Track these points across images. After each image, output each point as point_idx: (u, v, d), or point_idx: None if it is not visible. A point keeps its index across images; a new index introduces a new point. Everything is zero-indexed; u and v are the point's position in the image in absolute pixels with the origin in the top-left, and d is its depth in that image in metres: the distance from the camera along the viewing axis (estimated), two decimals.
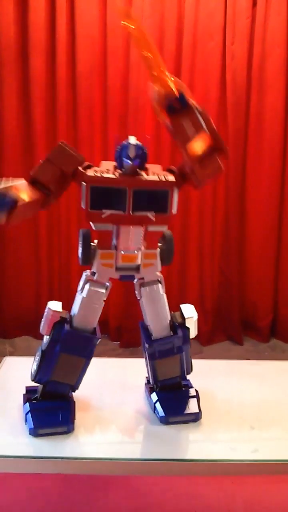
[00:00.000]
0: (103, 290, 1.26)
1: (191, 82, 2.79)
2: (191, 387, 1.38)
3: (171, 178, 1.19)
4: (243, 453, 1.20)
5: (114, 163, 1.21)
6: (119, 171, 1.19)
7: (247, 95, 2.86)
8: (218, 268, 3.06)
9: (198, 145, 1.16)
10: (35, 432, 1.24)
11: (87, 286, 1.26)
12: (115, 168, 1.20)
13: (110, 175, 1.18)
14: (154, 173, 1.20)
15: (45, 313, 1.29)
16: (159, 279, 1.29)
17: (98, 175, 1.18)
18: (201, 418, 1.30)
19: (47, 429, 1.25)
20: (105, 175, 1.18)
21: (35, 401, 1.31)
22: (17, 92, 2.80)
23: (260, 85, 2.83)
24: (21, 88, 2.81)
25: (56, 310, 1.28)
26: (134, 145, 1.16)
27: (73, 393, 1.34)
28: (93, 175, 1.18)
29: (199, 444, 1.24)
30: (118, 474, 1.25)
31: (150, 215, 1.19)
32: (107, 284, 1.27)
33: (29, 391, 1.34)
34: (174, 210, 1.21)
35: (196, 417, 1.29)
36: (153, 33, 2.74)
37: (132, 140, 1.18)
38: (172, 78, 1.19)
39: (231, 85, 2.82)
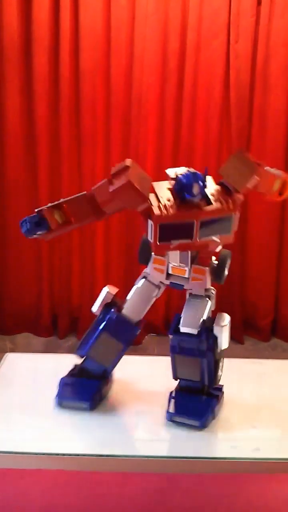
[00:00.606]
0: (156, 287, 1.35)
1: (194, 80, 2.79)
2: (217, 398, 1.35)
3: (232, 202, 1.22)
4: (245, 451, 1.20)
5: (169, 186, 1.23)
6: (178, 200, 1.21)
7: (251, 94, 2.85)
8: None
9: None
10: (59, 403, 1.34)
11: (142, 280, 1.35)
12: (173, 194, 1.21)
13: (175, 211, 1.19)
14: (213, 196, 1.22)
15: (101, 293, 1.37)
16: (209, 296, 1.32)
17: (165, 213, 1.19)
18: (206, 427, 1.28)
19: (70, 402, 1.34)
20: (171, 210, 1.19)
21: (70, 376, 1.39)
22: (20, 89, 2.80)
23: (264, 84, 2.83)
24: (24, 85, 2.80)
25: (111, 292, 1.37)
26: (198, 184, 1.19)
27: (110, 379, 1.42)
28: (160, 214, 1.19)
29: (199, 442, 1.24)
30: (114, 471, 1.26)
31: (215, 238, 1.23)
32: (160, 286, 1.35)
33: (75, 368, 1.42)
34: (235, 228, 1.26)
35: (200, 425, 1.28)
36: (156, 30, 2.74)
37: (194, 177, 1.19)
38: None
39: (235, 84, 2.81)
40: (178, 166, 1.26)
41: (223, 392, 1.38)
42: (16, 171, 2.91)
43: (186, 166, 1.26)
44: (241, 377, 1.53)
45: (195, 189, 1.18)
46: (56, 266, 3.06)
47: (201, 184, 1.19)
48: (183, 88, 2.81)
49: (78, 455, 1.20)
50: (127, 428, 1.30)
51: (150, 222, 1.20)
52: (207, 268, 1.30)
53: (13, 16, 2.70)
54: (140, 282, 1.35)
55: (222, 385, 1.39)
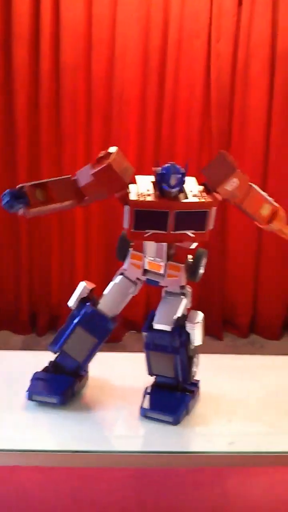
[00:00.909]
0: (133, 284, 1.35)
1: (176, 78, 2.80)
2: (192, 393, 1.36)
3: (209, 198, 1.25)
4: (219, 445, 1.22)
5: (151, 179, 1.27)
6: (158, 192, 1.24)
7: (231, 94, 2.87)
8: None
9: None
10: (29, 396, 1.34)
11: (119, 276, 1.36)
12: (154, 186, 1.26)
13: (152, 199, 1.23)
14: (192, 192, 1.26)
15: (77, 288, 1.38)
16: (184, 293, 1.34)
17: (141, 199, 1.23)
18: (179, 423, 1.29)
19: (40, 396, 1.34)
20: (148, 198, 1.23)
21: (44, 371, 1.40)
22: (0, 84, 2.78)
23: (244, 83, 2.85)
24: (4, 80, 2.78)
25: (87, 286, 1.38)
26: (175, 175, 1.22)
27: (85, 376, 1.42)
28: (137, 199, 1.23)
29: (175, 436, 1.25)
30: (89, 467, 1.27)
31: (190, 233, 1.24)
32: (137, 282, 1.36)
33: (50, 363, 1.42)
34: (211, 226, 1.27)
35: (173, 421, 1.28)
36: (138, 28, 2.74)
37: (172, 169, 1.22)
38: None
39: (216, 83, 2.83)
40: (160, 164, 1.26)
41: (199, 388, 1.39)
42: None
43: (167, 163, 1.27)
44: (220, 373, 1.54)
45: (173, 181, 1.21)
46: (35, 263, 3.05)
47: (179, 176, 1.22)
48: (164, 86, 2.82)
49: (53, 451, 1.20)
50: (102, 423, 1.31)
51: (127, 208, 1.23)
52: (182, 265, 1.31)
53: None
54: (117, 278, 1.36)
55: (198, 381, 1.40)
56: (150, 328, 1.33)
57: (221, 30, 2.78)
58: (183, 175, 1.23)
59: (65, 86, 2.79)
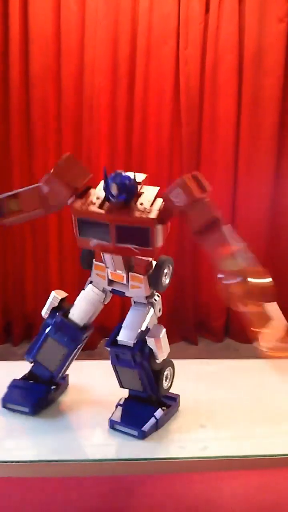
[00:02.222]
0: (103, 293, 1.34)
1: (145, 85, 2.82)
2: (165, 407, 1.33)
3: (154, 214, 1.18)
4: (192, 451, 1.22)
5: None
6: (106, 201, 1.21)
7: (201, 99, 2.91)
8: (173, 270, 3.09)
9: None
10: (3, 404, 1.34)
11: (89, 285, 1.35)
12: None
13: (95, 209, 1.19)
14: (142, 205, 1.19)
15: (49, 298, 1.37)
16: (152, 303, 1.32)
17: (84, 208, 1.20)
18: (144, 438, 1.26)
19: (13, 405, 1.34)
20: (90, 208, 1.20)
21: (19, 379, 1.40)
22: None
23: (213, 89, 2.88)
24: None
25: (57, 296, 1.37)
26: (116, 184, 1.16)
27: (62, 385, 1.41)
28: (79, 208, 1.21)
29: (148, 443, 1.25)
30: (64, 476, 1.27)
31: (133, 247, 1.20)
32: (106, 292, 1.34)
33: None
34: (159, 244, 1.21)
35: (139, 435, 1.26)
36: (107, 35, 2.75)
37: (115, 178, 1.18)
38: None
39: (185, 89, 2.86)
40: (131, 170, 1.24)
41: (177, 402, 1.37)
42: None
43: (138, 171, 1.26)
44: (194, 378, 1.54)
45: (113, 189, 1.16)
46: (9, 271, 3.03)
47: (123, 185, 1.16)
48: (134, 93, 2.84)
49: (27, 461, 1.19)
50: (77, 433, 1.30)
51: (73, 218, 1.23)
52: (143, 276, 1.27)
53: None
54: (87, 288, 1.35)
55: (178, 395, 1.38)
56: (113, 342, 1.32)
57: (188, 36, 2.81)
58: (131, 185, 1.18)
59: (34, 94, 2.79)
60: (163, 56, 2.82)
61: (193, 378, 1.54)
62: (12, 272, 3.02)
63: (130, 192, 1.18)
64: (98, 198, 1.22)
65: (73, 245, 3.02)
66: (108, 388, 1.45)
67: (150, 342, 1.27)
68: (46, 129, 2.84)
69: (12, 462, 1.19)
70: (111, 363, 1.34)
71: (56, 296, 1.37)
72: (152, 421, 1.28)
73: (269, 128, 2.92)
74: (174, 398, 1.37)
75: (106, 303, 1.37)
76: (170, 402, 1.36)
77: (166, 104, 2.86)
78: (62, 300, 1.37)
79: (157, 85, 2.85)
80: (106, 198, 1.20)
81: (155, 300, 1.33)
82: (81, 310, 1.35)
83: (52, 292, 1.39)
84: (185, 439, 1.27)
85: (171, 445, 1.25)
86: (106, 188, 1.18)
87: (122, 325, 1.32)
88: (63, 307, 1.37)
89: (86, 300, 1.35)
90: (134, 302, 1.34)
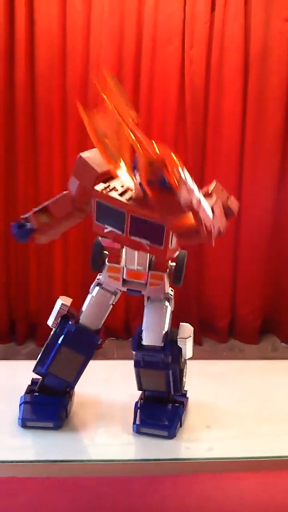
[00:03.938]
0: (112, 295, 1.32)
1: (150, 85, 2.81)
2: (182, 405, 1.35)
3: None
4: (198, 452, 1.22)
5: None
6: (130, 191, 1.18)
7: (206, 99, 2.90)
8: None
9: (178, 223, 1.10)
10: (23, 423, 1.28)
11: (96, 288, 1.31)
12: (135, 186, 1.17)
13: (115, 195, 1.16)
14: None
15: (55, 306, 1.34)
16: (168, 298, 1.30)
17: (105, 192, 1.17)
18: (175, 436, 1.27)
19: (35, 422, 1.28)
20: (112, 193, 1.16)
21: (31, 394, 1.34)
22: None
23: (218, 89, 2.87)
24: None
25: (66, 303, 1.33)
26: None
27: (73, 392, 1.38)
28: (100, 190, 1.17)
29: (154, 444, 1.25)
30: (66, 476, 1.26)
31: (145, 243, 1.17)
32: (117, 292, 1.32)
33: (34, 383, 1.37)
34: (172, 245, 1.19)
35: (169, 435, 1.26)
36: (112, 35, 2.75)
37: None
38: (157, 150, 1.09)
39: (190, 89, 2.85)
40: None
41: (187, 398, 1.38)
42: None
43: None
44: (199, 379, 1.54)
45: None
46: (12, 271, 3.02)
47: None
48: (138, 93, 2.83)
49: (28, 461, 1.19)
50: (80, 433, 1.30)
51: (93, 201, 1.20)
52: (164, 273, 1.27)
53: None
54: (94, 291, 1.32)
55: (186, 391, 1.39)
56: (139, 346, 1.30)
57: (194, 36, 2.80)
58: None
59: (40, 95, 2.78)
60: (168, 55, 2.82)
61: (198, 379, 1.53)
62: (16, 272, 3.01)
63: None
64: (122, 186, 1.19)
65: (77, 245, 3.06)
66: (112, 388, 1.46)
67: (182, 342, 1.28)
68: (51, 128, 2.83)
69: (14, 462, 1.19)
70: (135, 366, 1.32)
71: (64, 303, 1.33)
72: (176, 418, 1.30)
73: (274, 128, 2.91)
74: (184, 394, 1.38)
75: (114, 303, 1.34)
76: (182, 399, 1.36)
77: (171, 104, 2.86)
78: (69, 306, 1.34)
79: (162, 84, 2.84)
80: (146, 183, 1.09)
81: (171, 295, 1.32)
82: (92, 314, 1.32)
83: (58, 300, 1.35)
84: (190, 439, 1.27)
85: (177, 446, 1.24)
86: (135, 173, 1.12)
87: (143, 328, 1.30)
88: (72, 314, 1.34)
89: (97, 304, 1.32)
90: (149, 299, 1.31)
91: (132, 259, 1.26)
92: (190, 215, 1.08)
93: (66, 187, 1.29)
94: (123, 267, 1.28)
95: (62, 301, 1.34)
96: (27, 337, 3.04)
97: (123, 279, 1.29)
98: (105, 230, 1.19)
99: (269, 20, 2.78)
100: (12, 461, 1.18)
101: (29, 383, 1.37)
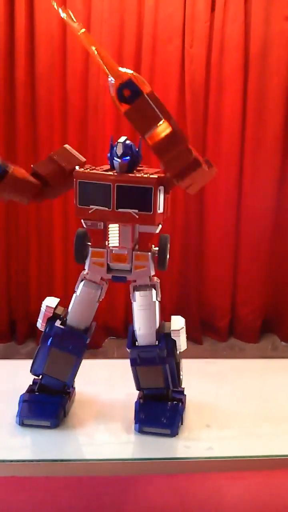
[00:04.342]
0: (96, 291, 1.30)
1: (150, 84, 2.76)
2: (182, 402, 1.35)
3: (155, 176, 1.21)
4: (198, 451, 1.22)
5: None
6: (114, 171, 1.23)
7: (206, 98, 2.90)
8: (177, 270, 3.09)
9: (156, 133, 1.15)
10: (20, 421, 1.29)
11: (81, 285, 1.30)
12: (111, 169, 1.24)
13: (98, 172, 1.22)
14: (146, 173, 1.22)
15: (41, 309, 1.33)
16: (154, 285, 1.30)
17: (87, 171, 1.22)
18: (177, 434, 1.27)
19: (32, 420, 1.29)
20: (94, 171, 1.23)
21: (31, 393, 1.35)
22: None
23: (218, 88, 2.87)
24: None
25: (50, 306, 1.32)
26: (121, 143, 1.20)
27: (73, 391, 1.39)
28: (82, 171, 1.23)
29: (153, 442, 1.25)
30: (66, 475, 1.26)
31: (133, 212, 1.20)
32: (102, 284, 1.30)
33: (35, 383, 1.37)
34: (160, 209, 1.22)
35: (172, 432, 1.27)
36: (112, 34, 2.75)
37: (121, 139, 1.22)
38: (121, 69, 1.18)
39: (190, 88, 2.85)
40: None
41: (185, 395, 1.38)
42: None
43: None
44: (199, 378, 1.54)
45: (119, 149, 1.20)
46: (13, 271, 3.02)
47: (127, 148, 1.21)
48: None
49: (30, 461, 1.19)
50: (80, 432, 1.30)
51: (74, 183, 1.23)
52: (148, 253, 1.27)
53: None
54: (78, 289, 1.31)
55: (183, 388, 1.39)
56: (134, 344, 1.31)
57: (194, 35, 2.80)
58: (136, 150, 1.23)
59: (40, 95, 2.78)
60: (168, 54, 2.81)
61: (197, 378, 1.54)
62: (16, 271, 3.01)
63: (134, 156, 1.22)
64: (101, 168, 1.25)
65: None
66: (112, 387, 1.46)
67: (175, 334, 1.29)
68: (51, 128, 2.83)
69: (14, 461, 1.19)
70: (132, 365, 1.32)
71: (49, 306, 1.33)
72: (177, 416, 1.30)
73: (274, 127, 2.90)
74: (182, 391, 1.38)
75: (101, 299, 1.33)
76: (180, 396, 1.36)
77: (171, 102, 2.85)
78: (55, 308, 1.34)
79: (162, 83, 2.84)
80: (110, 163, 1.23)
81: (156, 281, 1.31)
82: (78, 313, 1.32)
83: (44, 302, 1.35)
84: (190, 438, 1.27)
85: (177, 444, 1.24)
86: (111, 151, 1.22)
87: (135, 329, 1.31)
88: (59, 315, 1.33)
89: (82, 301, 1.31)
90: (135, 287, 1.30)
91: (115, 238, 1.25)
92: (165, 125, 1.14)
93: None
94: (107, 251, 1.27)
95: (46, 304, 1.33)
96: (27, 336, 3.04)
97: (108, 265, 1.28)
98: (90, 211, 1.22)
99: (269, 19, 2.78)
100: (11, 460, 1.18)
101: (30, 382, 1.38)
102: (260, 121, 2.90)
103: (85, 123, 2.83)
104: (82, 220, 1.26)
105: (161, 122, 1.14)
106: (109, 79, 1.17)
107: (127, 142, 1.22)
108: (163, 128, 1.15)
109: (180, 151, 1.16)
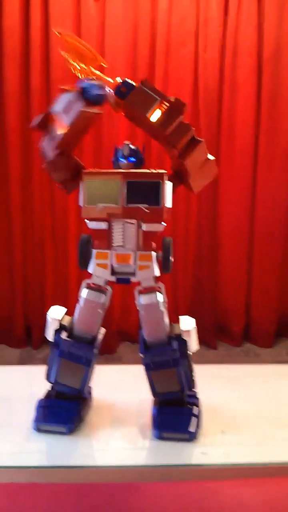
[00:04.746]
0: (100, 300, 1.29)
1: (164, 88, 2.82)
2: (197, 405, 1.34)
3: (163, 171, 1.23)
4: (215, 457, 1.21)
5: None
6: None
7: (219, 102, 2.90)
8: (191, 273, 3.08)
9: (155, 114, 1.22)
10: (36, 427, 1.28)
11: (83, 295, 1.29)
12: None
13: (106, 170, 1.24)
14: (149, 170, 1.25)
15: (47, 320, 1.33)
16: (159, 288, 1.29)
17: (95, 170, 1.25)
18: (196, 438, 1.26)
19: (48, 426, 1.28)
20: (102, 170, 1.25)
21: (47, 398, 1.34)
22: None
23: (231, 91, 2.88)
24: None
25: (55, 317, 1.31)
26: (128, 144, 1.25)
27: (90, 397, 1.38)
28: (90, 171, 1.25)
29: (170, 448, 1.24)
30: (78, 482, 1.26)
31: (143, 207, 1.22)
32: (106, 289, 1.30)
33: (52, 388, 1.37)
34: (168, 204, 1.24)
35: (190, 437, 1.26)
36: (126, 39, 2.76)
37: (127, 142, 1.26)
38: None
39: (204, 92, 2.86)
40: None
41: (198, 399, 1.37)
42: None
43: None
44: (214, 383, 1.53)
45: (125, 150, 1.25)
46: (29, 277, 3.04)
47: (134, 149, 1.26)
48: None
49: (47, 467, 1.19)
50: (96, 438, 1.29)
51: (81, 185, 1.24)
52: (152, 252, 1.27)
53: None
54: (81, 300, 1.30)
55: (196, 391, 1.38)
56: (146, 348, 1.30)
57: (207, 39, 2.80)
58: (140, 153, 1.27)
59: (55, 98, 2.80)
60: (182, 58, 2.83)
61: (213, 383, 1.52)
62: (32, 277, 3.03)
63: (139, 157, 1.26)
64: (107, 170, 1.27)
65: None
66: (127, 392, 1.45)
67: (186, 334, 1.29)
68: None
69: (31, 467, 1.19)
70: (146, 370, 1.31)
71: (54, 318, 1.32)
72: (194, 420, 1.29)
73: None
74: (194, 395, 1.37)
75: (106, 307, 1.31)
76: (194, 400, 1.35)
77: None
78: (61, 319, 1.32)
79: (176, 87, 2.85)
80: (115, 167, 1.26)
81: (161, 285, 1.30)
82: (83, 324, 1.31)
83: (48, 313, 1.34)
84: (206, 445, 1.26)
85: (193, 451, 1.23)
86: (116, 154, 1.26)
87: (145, 336, 1.30)
88: (65, 325, 1.32)
89: (86, 312, 1.30)
90: (140, 291, 1.29)
91: (120, 237, 1.26)
92: (162, 102, 1.21)
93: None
94: (111, 252, 1.27)
95: (51, 316, 1.32)
96: (43, 341, 3.05)
97: (112, 267, 1.28)
98: (97, 209, 1.23)
99: (282, 23, 2.78)
100: (27, 467, 1.18)
101: (47, 388, 1.38)
102: (274, 124, 2.90)
103: (100, 128, 2.85)
104: (86, 221, 1.27)
105: (157, 102, 1.22)
106: (106, 89, 1.24)
107: (132, 147, 1.27)
108: (160, 105, 1.22)
109: (180, 122, 1.22)
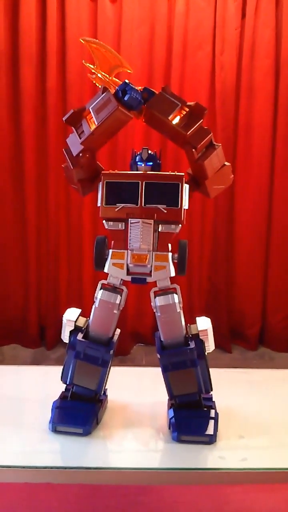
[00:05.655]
0: (115, 300, 1.30)
1: (180, 91, 2.81)
2: (213, 408, 1.34)
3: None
4: (232, 462, 1.20)
5: None
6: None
7: (236, 105, 2.89)
8: (206, 276, 3.07)
9: (176, 119, 1.27)
10: (53, 428, 1.28)
11: (99, 296, 1.30)
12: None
13: (125, 172, 1.29)
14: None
15: (63, 321, 1.34)
16: (175, 289, 1.30)
17: (114, 172, 1.29)
18: (215, 441, 1.26)
19: (65, 427, 1.28)
20: (121, 172, 1.30)
21: (64, 399, 1.35)
22: (7, 101, 2.81)
23: (249, 95, 2.86)
24: (12, 97, 2.82)
25: (70, 319, 1.33)
26: (146, 148, 1.30)
27: (105, 399, 1.38)
28: (109, 172, 1.30)
29: (187, 452, 1.23)
30: (94, 483, 1.25)
31: (161, 207, 1.26)
32: (122, 290, 1.30)
33: (67, 389, 1.38)
34: (185, 205, 1.28)
35: (210, 440, 1.25)
36: (142, 42, 2.76)
37: (145, 147, 1.31)
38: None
39: (221, 94, 2.84)
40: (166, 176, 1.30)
41: (214, 401, 1.36)
42: (2, 181, 2.91)
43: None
44: (230, 387, 1.52)
45: (144, 154, 1.30)
46: (43, 277, 3.05)
47: (152, 153, 1.30)
48: None
49: (62, 468, 1.19)
50: (109, 440, 1.29)
51: (100, 185, 1.28)
52: (168, 253, 1.28)
53: (0, 30, 2.71)
54: (97, 301, 1.30)
55: (211, 395, 1.37)
56: (163, 349, 1.30)
57: (224, 42, 2.79)
58: (157, 158, 1.31)
59: (71, 102, 2.81)
60: (199, 61, 2.82)
61: (228, 388, 1.51)
62: (47, 279, 3.04)
63: (156, 162, 1.31)
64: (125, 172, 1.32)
65: None
66: (141, 394, 1.45)
67: (203, 334, 1.30)
68: None
69: (47, 467, 1.18)
70: (163, 371, 1.31)
71: (70, 319, 1.33)
72: (212, 422, 1.29)
73: None
74: (210, 398, 1.36)
75: (121, 308, 1.32)
76: (210, 403, 1.35)
77: None
78: (76, 321, 1.33)
79: (193, 90, 2.84)
80: (132, 167, 1.31)
81: (177, 286, 1.31)
82: (99, 325, 1.31)
83: (64, 315, 1.34)
84: (224, 449, 1.25)
85: (211, 454, 1.22)
86: (134, 158, 1.31)
87: (162, 337, 1.30)
88: (81, 327, 1.33)
89: (101, 313, 1.30)
90: (155, 292, 1.30)
91: (137, 237, 1.27)
92: (182, 107, 1.27)
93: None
94: (127, 252, 1.28)
95: (67, 317, 1.33)
96: (56, 342, 3.05)
97: (127, 266, 1.28)
98: (117, 209, 1.26)
99: None
100: (44, 467, 1.18)
101: (60, 389, 1.38)
102: None
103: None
104: (104, 221, 1.28)
105: (178, 107, 1.27)
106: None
107: (150, 152, 1.31)
108: (180, 111, 1.28)
109: (200, 126, 1.26)
